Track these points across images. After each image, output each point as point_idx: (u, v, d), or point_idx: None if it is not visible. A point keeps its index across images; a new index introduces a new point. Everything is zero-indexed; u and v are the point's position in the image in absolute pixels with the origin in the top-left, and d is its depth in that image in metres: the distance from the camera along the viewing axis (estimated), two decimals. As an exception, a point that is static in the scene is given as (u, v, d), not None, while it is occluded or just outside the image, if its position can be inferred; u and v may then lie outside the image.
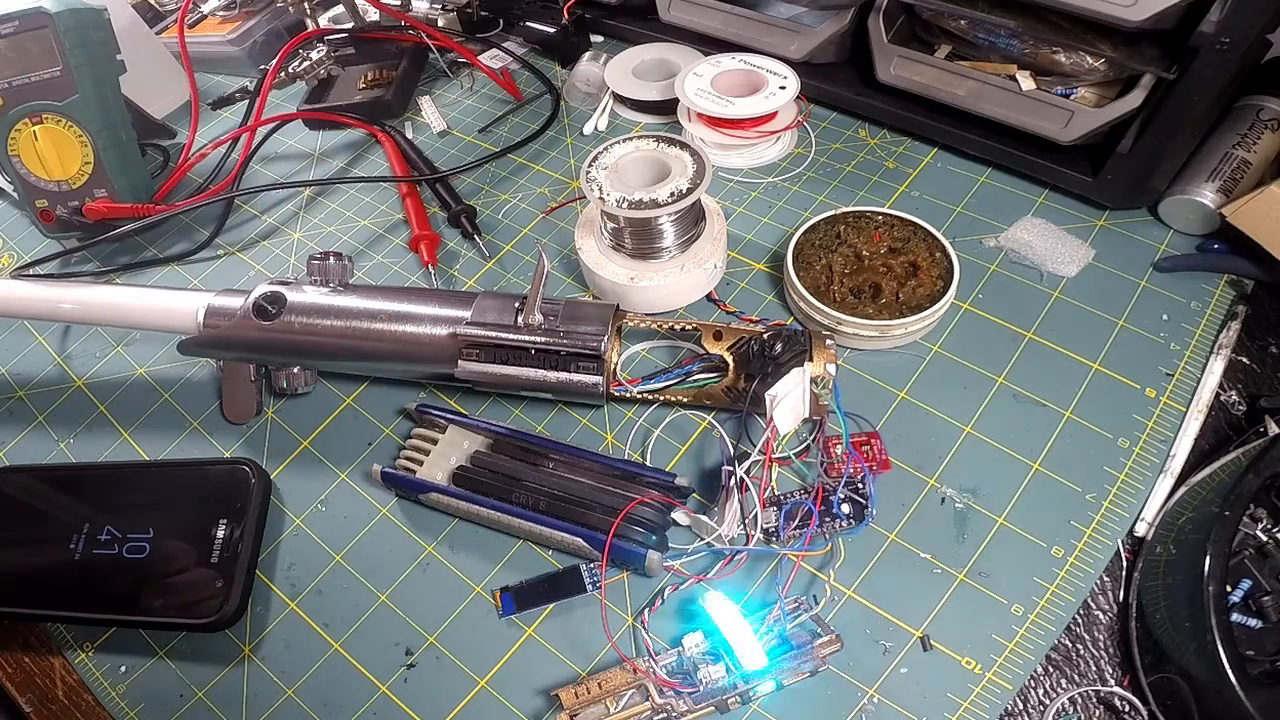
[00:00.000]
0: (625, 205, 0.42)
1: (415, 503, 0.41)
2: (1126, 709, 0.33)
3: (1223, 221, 0.43)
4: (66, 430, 0.49)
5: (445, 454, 0.41)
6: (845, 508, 0.37)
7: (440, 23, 0.70)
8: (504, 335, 0.40)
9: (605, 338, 0.39)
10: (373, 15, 0.71)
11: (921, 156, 0.54)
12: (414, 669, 0.37)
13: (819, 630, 0.34)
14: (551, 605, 0.37)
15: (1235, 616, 0.33)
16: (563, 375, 0.40)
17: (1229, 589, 0.33)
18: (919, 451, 0.40)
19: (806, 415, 0.38)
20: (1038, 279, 0.46)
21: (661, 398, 0.42)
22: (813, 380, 0.38)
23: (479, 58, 0.68)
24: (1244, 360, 0.42)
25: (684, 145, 0.45)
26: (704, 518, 0.37)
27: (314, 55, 0.64)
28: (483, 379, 0.41)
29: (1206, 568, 0.31)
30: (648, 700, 0.33)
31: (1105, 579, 0.36)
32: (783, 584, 0.35)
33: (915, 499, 0.38)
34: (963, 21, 0.48)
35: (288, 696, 0.37)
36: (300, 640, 0.38)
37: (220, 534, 0.40)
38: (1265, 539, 0.34)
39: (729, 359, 0.41)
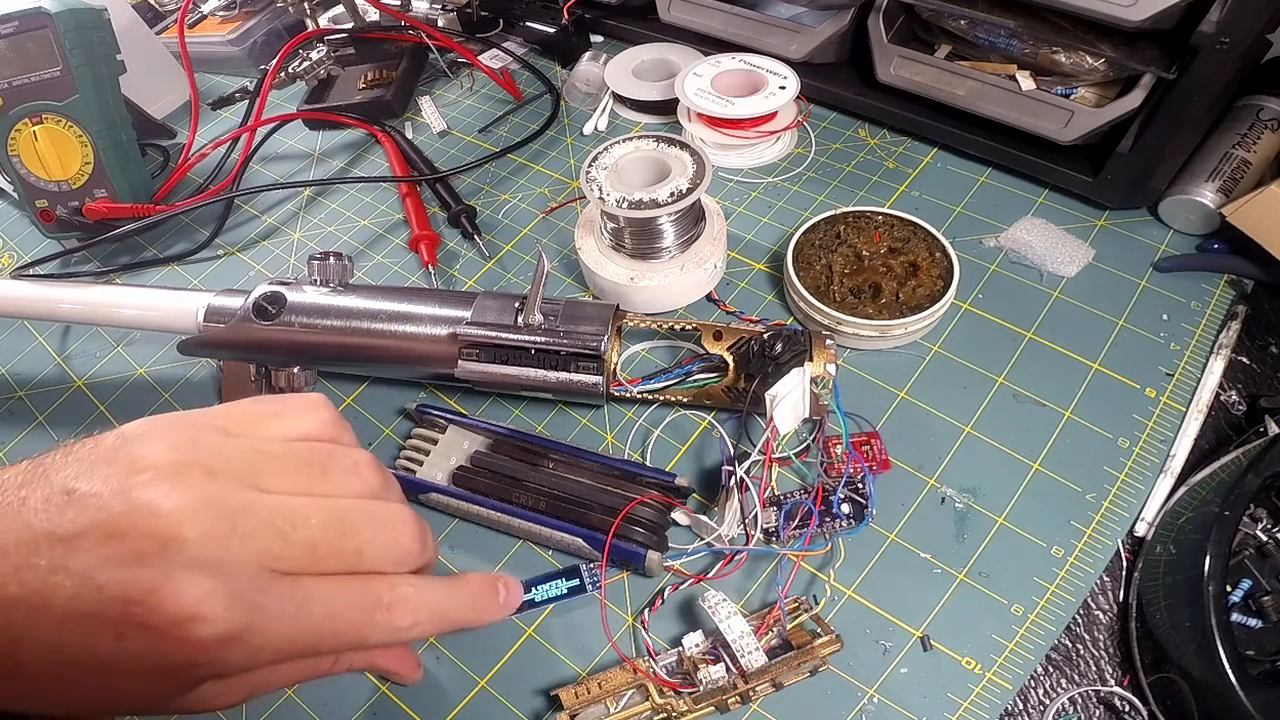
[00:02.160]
0: (625, 205, 0.42)
1: (415, 503, 0.41)
2: (1126, 709, 0.33)
3: (1223, 221, 0.43)
4: (66, 430, 0.49)
5: (445, 454, 0.41)
6: (845, 508, 0.37)
7: (440, 23, 0.70)
8: (504, 335, 0.40)
9: (605, 338, 0.39)
10: (373, 15, 0.71)
11: (921, 156, 0.54)
12: (414, 669, 0.37)
13: (819, 630, 0.34)
14: (551, 605, 0.37)
15: (1235, 616, 0.33)
16: (563, 375, 0.40)
17: (1229, 589, 0.33)
18: (919, 451, 0.40)
19: (806, 415, 0.38)
20: (1038, 279, 0.46)
21: (661, 398, 0.42)
22: (813, 380, 0.38)
23: (479, 58, 0.68)
24: (1244, 360, 0.42)
25: (684, 145, 0.45)
26: (704, 518, 0.37)
27: (314, 55, 0.64)
28: (483, 379, 0.41)
29: (1206, 568, 0.31)
30: (648, 700, 0.33)
31: (1105, 579, 0.36)
32: (783, 584, 0.35)
33: (915, 499, 0.38)
34: (963, 21, 0.48)
35: (288, 697, 0.37)
36: (300, 640, 0.38)
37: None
38: (1265, 539, 0.34)
39: (729, 359, 0.41)
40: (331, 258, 0.43)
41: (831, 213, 0.47)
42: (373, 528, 0.25)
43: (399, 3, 0.68)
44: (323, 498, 0.25)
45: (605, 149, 0.45)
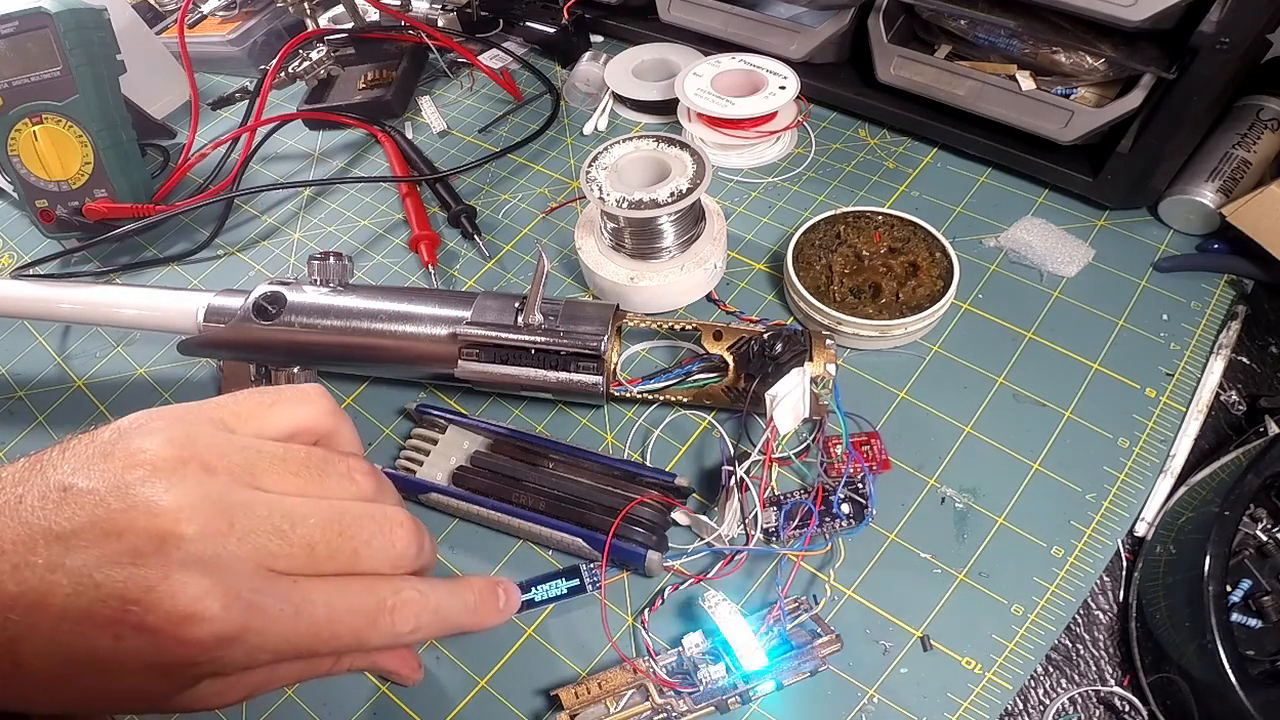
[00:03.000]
0: (625, 205, 0.42)
1: (415, 503, 0.41)
2: (1126, 709, 0.33)
3: (1223, 221, 0.43)
4: (66, 430, 0.49)
5: (445, 454, 0.41)
6: (845, 508, 0.37)
7: (440, 23, 0.70)
8: (504, 335, 0.40)
9: (605, 338, 0.39)
10: (373, 15, 0.71)
11: (921, 156, 0.54)
12: (414, 669, 0.37)
13: (819, 630, 0.34)
14: (551, 605, 0.37)
15: (1235, 616, 0.33)
16: (563, 375, 0.40)
17: (1229, 589, 0.33)
18: (919, 451, 0.40)
19: (806, 415, 0.38)
20: (1038, 279, 0.46)
21: (661, 398, 0.42)
22: (813, 380, 0.38)
23: (479, 58, 0.68)
24: (1244, 360, 0.42)
25: (684, 145, 0.45)
26: (704, 518, 0.37)
27: (314, 55, 0.64)
28: (483, 379, 0.41)
29: (1206, 568, 0.31)
30: (648, 700, 0.33)
31: (1105, 579, 0.36)
32: (783, 584, 0.35)
33: (915, 499, 0.38)
34: (963, 21, 0.48)
35: (288, 697, 0.37)
36: (300, 640, 0.38)
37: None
38: (1265, 539, 0.34)
39: (729, 359, 0.41)
40: (331, 258, 0.43)
41: (831, 213, 0.47)
42: (370, 529, 0.25)
43: (399, 3, 0.68)
44: (319, 499, 0.25)
45: (605, 149, 0.45)
